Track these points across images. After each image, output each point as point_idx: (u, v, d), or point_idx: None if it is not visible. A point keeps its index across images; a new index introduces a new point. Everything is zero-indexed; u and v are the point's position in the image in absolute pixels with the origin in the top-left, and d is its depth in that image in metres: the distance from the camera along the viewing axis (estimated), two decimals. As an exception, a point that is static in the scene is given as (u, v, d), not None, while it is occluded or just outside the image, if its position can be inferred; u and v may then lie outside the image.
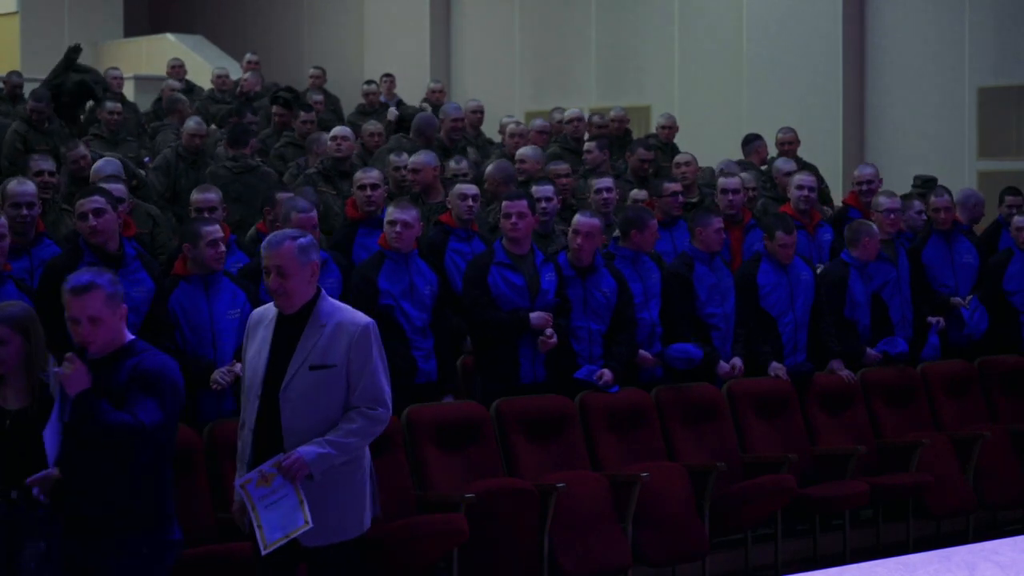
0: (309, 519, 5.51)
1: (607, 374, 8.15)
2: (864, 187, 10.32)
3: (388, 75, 16.16)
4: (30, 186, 7.50)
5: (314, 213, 7.77)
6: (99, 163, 9.19)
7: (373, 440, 5.72)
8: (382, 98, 15.52)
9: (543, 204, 8.90)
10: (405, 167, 9.93)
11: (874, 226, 9.44)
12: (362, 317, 5.70)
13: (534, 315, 7.94)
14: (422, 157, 9.76)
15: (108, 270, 5.55)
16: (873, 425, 9.27)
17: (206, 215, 7.96)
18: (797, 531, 8.86)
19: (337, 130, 10.89)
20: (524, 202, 8.10)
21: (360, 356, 5.60)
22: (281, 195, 8.53)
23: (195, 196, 8.22)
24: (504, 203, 8.13)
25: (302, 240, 5.63)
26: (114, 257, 7.02)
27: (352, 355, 5.59)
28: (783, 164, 10.99)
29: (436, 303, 7.93)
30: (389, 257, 7.89)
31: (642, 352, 8.46)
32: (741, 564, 8.36)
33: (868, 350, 9.32)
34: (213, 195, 8.21)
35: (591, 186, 9.78)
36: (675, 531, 7.87)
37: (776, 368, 8.92)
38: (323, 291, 5.72)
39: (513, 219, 8.05)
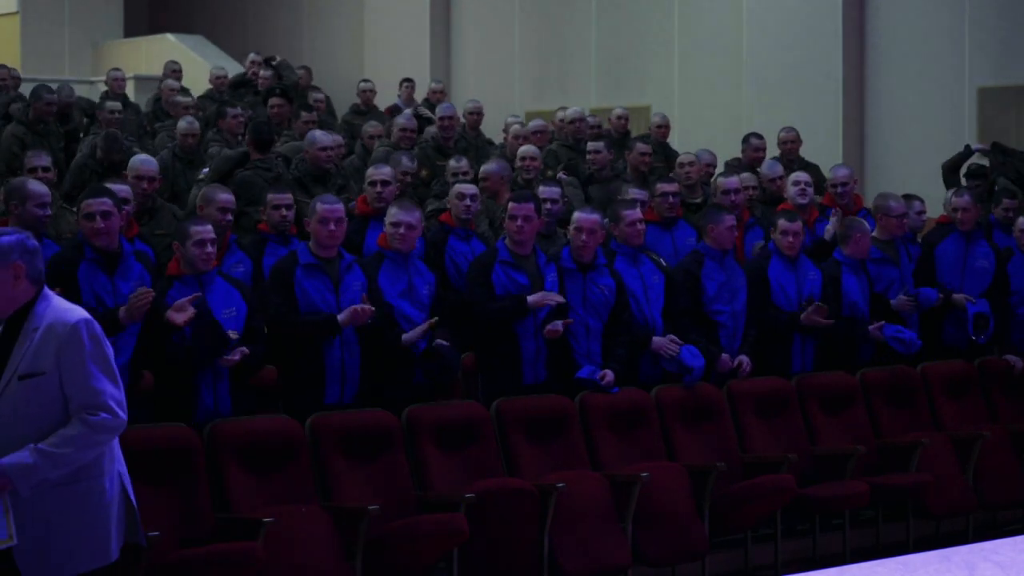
0: (14, 535, 4.91)
1: (609, 375, 8.16)
2: (839, 188, 10.31)
3: (408, 80, 16.07)
4: (44, 187, 7.56)
5: (339, 206, 7.71)
6: (139, 158, 9.10)
7: (100, 448, 5.11)
8: (399, 102, 15.42)
9: (548, 205, 8.94)
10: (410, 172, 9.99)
11: (864, 223, 9.46)
12: (74, 314, 5.08)
13: (532, 296, 7.94)
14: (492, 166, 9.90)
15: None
16: (873, 425, 9.26)
17: (229, 217, 8.02)
18: (797, 531, 8.86)
19: (329, 140, 10.25)
20: (531, 205, 8.13)
21: (71, 358, 5.00)
22: (272, 195, 8.52)
23: (221, 195, 8.17)
24: (511, 204, 8.13)
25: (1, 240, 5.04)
26: (114, 255, 7.05)
27: (62, 359, 4.99)
28: (769, 169, 10.98)
29: (434, 303, 7.95)
30: (389, 257, 7.90)
31: (656, 338, 8.46)
32: (741, 564, 8.35)
33: (870, 328, 9.27)
34: (233, 196, 8.28)
35: (656, 190, 9.74)
36: (675, 531, 7.87)
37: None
38: (45, 291, 5.13)
39: (519, 222, 8.06)
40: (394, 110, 14.69)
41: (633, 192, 9.57)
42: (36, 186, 7.45)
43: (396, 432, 7.44)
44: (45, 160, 9.24)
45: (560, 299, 8.00)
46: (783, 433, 8.82)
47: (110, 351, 5.16)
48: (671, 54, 17.07)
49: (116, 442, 5.21)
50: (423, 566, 7.28)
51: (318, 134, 10.11)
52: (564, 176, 11.05)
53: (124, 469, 5.23)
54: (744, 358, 8.79)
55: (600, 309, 8.26)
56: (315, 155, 9.94)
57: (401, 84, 16.03)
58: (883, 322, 9.28)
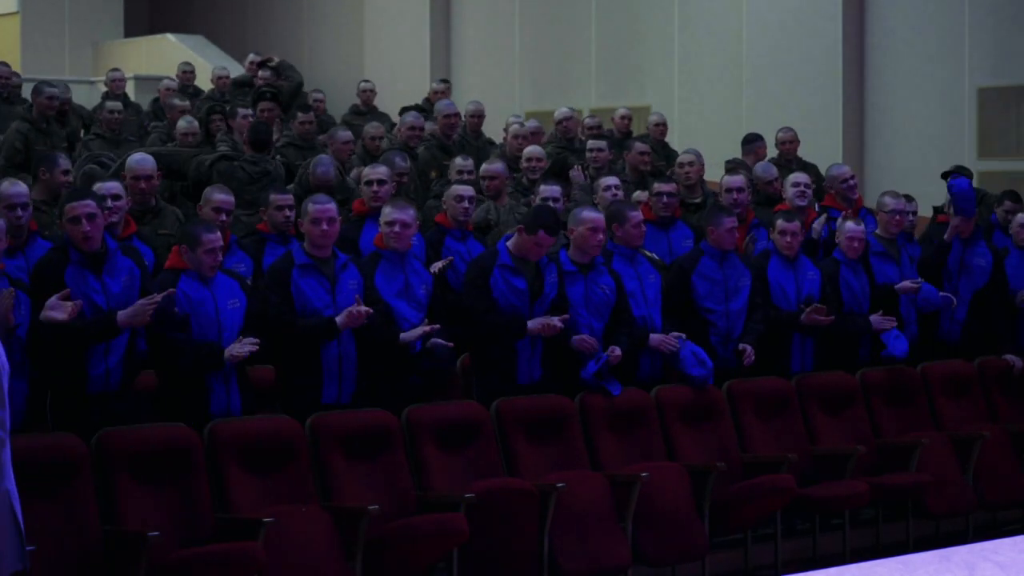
0: None
1: (616, 349, 8.11)
2: (850, 182, 10.34)
3: (445, 80, 15.91)
4: (22, 187, 7.49)
5: (331, 206, 7.70)
6: (135, 157, 9.05)
7: None
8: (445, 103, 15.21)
9: (551, 204, 8.95)
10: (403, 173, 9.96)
11: (852, 225, 9.47)
12: None
13: (532, 322, 7.93)
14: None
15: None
16: (873, 425, 9.27)
17: (223, 217, 8.01)
18: (797, 531, 8.87)
19: (332, 175, 9.90)
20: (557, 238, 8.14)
21: None
22: (275, 196, 8.54)
23: (217, 196, 8.18)
24: (541, 233, 7.95)
25: None
26: (99, 255, 7.02)
27: None
28: (764, 171, 10.97)
29: (431, 302, 7.95)
30: (385, 257, 7.90)
31: (653, 336, 8.45)
32: (741, 564, 8.36)
33: (872, 317, 9.28)
34: (232, 197, 8.26)
35: (600, 185, 9.79)
36: (675, 531, 7.87)
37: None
38: None
39: (545, 249, 8.04)
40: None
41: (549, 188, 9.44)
42: (8, 187, 7.37)
43: (396, 432, 7.44)
44: (69, 163, 9.17)
45: (559, 325, 7.96)
46: (783, 433, 8.83)
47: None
48: (671, 54, 17.07)
49: (7, 456, 4.73)
50: (423, 566, 7.28)
51: (320, 169, 9.80)
52: (579, 176, 10.98)
53: (13, 487, 4.78)
54: (748, 347, 8.71)
55: (603, 309, 8.25)
56: (315, 183, 9.84)
57: (437, 84, 15.84)
58: (890, 324, 9.29)
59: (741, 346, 8.70)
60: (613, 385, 8.20)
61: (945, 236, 9.88)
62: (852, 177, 10.36)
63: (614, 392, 8.19)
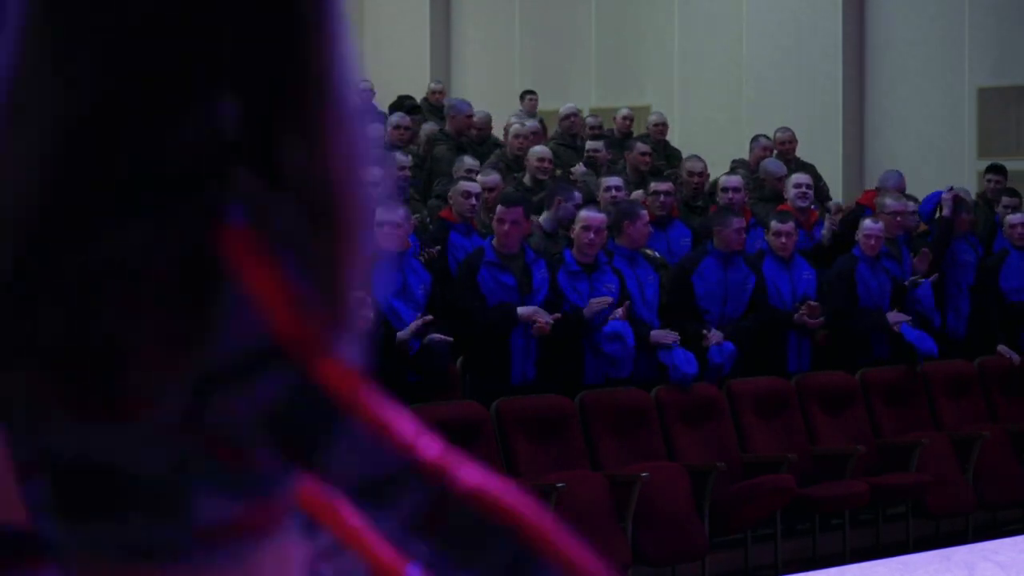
0: None
1: (621, 311, 8.12)
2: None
3: (531, 92, 15.73)
4: None
5: None
6: None
7: None
8: (522, 112, 14.93)
9: (612, 194, 9.04)
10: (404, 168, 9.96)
11: (870, 221, 9.49)
12: None
13: (523, 308, 7.94)
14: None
15: None
16: (873, 425, 9.27)
17: None
18: (797, 531, 8.87)
19: None
20: (520, 209, 8.12)
21: None
22: None
23: None
24: (499, 208, 8.05)
25: None
26: None
27: None
28: (774, 167, 10.97)
29: (431, 301, 7.95)
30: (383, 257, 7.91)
31: (655, 332, 8.44)
32: (741, 564, 8.36)
33: (888, 314, 9.29)
34: None
35: (600, 184, 9.79)
36: (675, 531, 7.88)
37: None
38: None
39: (507, 227, 8.03)
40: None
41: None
42: None
43: (396, 432, 7.43)
44: None
45: (549, 322, 7.95)
46: (783, 433, 8.82)
47: None
48: (671, 54, 17.07)
49: None
50: (423, 566, 7.28)
51: None
52: (583, 169, 10.95)
53: None
54: (718, 333, 8.68)
55: (608, 309, 8.24)
56: None
57: (524, 97, 15.66)
58: (905, 317, 9.30)
59: (708, 331, 8.64)
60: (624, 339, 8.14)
61: (945, 212, 9.91)
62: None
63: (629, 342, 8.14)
